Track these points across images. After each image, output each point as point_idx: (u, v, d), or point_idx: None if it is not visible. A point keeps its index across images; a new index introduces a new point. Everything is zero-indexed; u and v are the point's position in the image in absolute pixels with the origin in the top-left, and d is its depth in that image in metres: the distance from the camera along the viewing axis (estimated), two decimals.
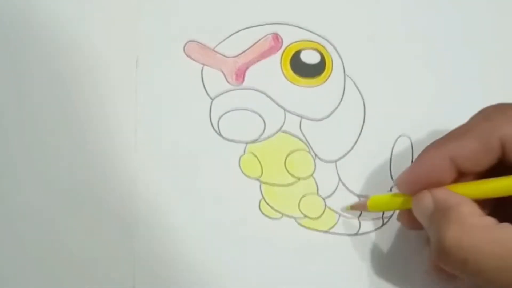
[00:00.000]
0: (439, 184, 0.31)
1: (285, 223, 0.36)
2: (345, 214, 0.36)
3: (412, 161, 0.37)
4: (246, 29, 0.39)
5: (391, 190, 0.37)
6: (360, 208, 0.35)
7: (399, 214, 0.34)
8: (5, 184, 0.36)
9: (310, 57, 0.39)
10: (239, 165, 0.37)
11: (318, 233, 0.36)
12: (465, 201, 0.30)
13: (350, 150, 0.37)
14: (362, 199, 0.36)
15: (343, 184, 0.37)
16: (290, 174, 0.37)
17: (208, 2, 0.39)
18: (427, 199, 0.31)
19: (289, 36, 0.39)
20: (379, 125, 0.38)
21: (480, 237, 0.28)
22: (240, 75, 0.38)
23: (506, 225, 0.28)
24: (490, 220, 0.29)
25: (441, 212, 0.30)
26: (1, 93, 0.37)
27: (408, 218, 0.33)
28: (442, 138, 0.32)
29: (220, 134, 0.37)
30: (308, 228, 0.36)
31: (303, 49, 0.39)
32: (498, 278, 0.28)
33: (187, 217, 0.36)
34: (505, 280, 0.28)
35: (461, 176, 0.31)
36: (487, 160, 0.30)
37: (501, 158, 0.30)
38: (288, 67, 0.38)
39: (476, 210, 0.29)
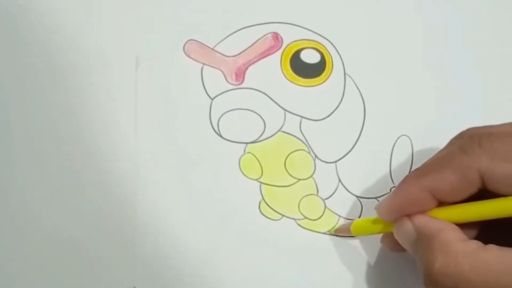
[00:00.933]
0: (419, 212, 0.31)
1: (285, 224, 0.36)
2: (345, 215, 0.36)
3: (412, 161, 0.37)
4: (246, 28, 0.39)
5: (390, 190, 0.37)
6: (344, 232, 0.36)
7: (383, 238, 0.35)
8: (5, 183, 0.36)
9: (310, 57, 0.38)
10: (239, 165, 0.37)
11: (317, 234, 0.36)
12: (447, 227, 0.30)
13: (350, 151, 0.37)
14: (346, 222, 0.36)
15: (343, 185, 0.37)
16: (290, 175, 0.37)
17: (208, 2, 0.39)
18: (408, 226, 0.31)
19: (289, 36, 0.39)
20: (379, 125, 0.38)
21: (465, 264, 0.28)
22: (240, 74, 0.38)
23: (490, 247, 0.28)
24: (475, 245, 0.29)
25: (424, 240, 0.30)
26: (1, 93, 0.37)
27: (391, 242, 0.33)
28: (420, 168, 0.32)
29: (219, 134, 0.37)
30: (308, 229, 0.36)
31: (303, 48, 0.39)
32: None
33: (187, 217, 0.36)
34: None
35: (441, 204, 0.31)
36: (467, 192, 0.30)
37: (481, 188, 0.30)
38: (288, 66, 0.38)
39: (459, 235, 0.29)
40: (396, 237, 0.32)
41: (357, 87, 0.38)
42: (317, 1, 0.39)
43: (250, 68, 0.38)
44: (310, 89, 0.38)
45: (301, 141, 0.37)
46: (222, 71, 0.38)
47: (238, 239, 0.36)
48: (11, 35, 0.38)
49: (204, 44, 0.38)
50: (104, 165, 0.36)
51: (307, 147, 0.37)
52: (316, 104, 0.38)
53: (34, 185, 0.36)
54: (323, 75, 0.38)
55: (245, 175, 0.37)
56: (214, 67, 0.38)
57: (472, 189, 0.30)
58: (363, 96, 0.38)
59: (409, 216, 0.31)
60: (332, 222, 0.36)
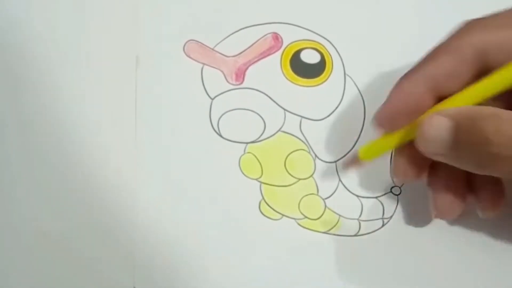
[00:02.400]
0: (421, 112, 0.29)
1: (285, 224, 0.36)
2: (345, 215, 0.36)
3: None
4: (246, 29, 0.39)
5: (391, 190, 0.37)
6: (352, 164, 0.34)
7: (395, 164, 0.32)
8: (4, 184, 0.36)
9: (310, 57, 0.38)
10: (239, 165, 0.37)
11: (318, 234, 0.36)
12: (481, 107, 0.27)
13: (350, 150, 0.37)
14: (350, 154, 0.35)
15: (343, 185, 0.37)
16: (290, 174, 0.37)
17: (207, 2, 0.39)
18: (441, 121, 0.28)
19: (289, 36, 0.39)
20: None
21: None
22: (240, 74, 0.38)
23: None
24: None
25: (467, 126, 0.27)
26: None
27: (407, 164, 0.31)
28: (416, 65, 0.30)
29: (219, 134, 0.37)
30: (308, 229, 0.36)
31: (303, 48, 0.39)
32: None
33: (187, 217, 0.36)
34: None
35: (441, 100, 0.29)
36: (466, 75, 0.28)
37: (481, 68, 0.28)
38: (288, 66, 0.38)
39: (496, 108, 0.27)
40: (422, 144, 0.29)
41: (357, 87, 0.38)
42: (317, 1, 0.39)
43: (250, 68, 0.38)
44: (310, 89, 0.38)
45: (301, 141, 0.37)
46: (222, 71, 0.38)
47: (238, 239, 0.36)
48: (9, 35, 0.38)
49: (204, 44, 0.38)
50: (104, 165, 0.36)
51: (307, 147, 0.37)
52: (316, 104, 0.38)
53: (34, 185, 0.36)
54: (323, 75, 0.38)
55: (245, 175, 0.37)
56: (214, 67, 0.38)
57: (471, 70, 0.28)
58: (363, 96, 0.38)
59: (437, 112, 0.28)
60: (332, 221, 0.36)
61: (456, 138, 0.27)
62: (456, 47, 0.28)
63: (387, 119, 0.30)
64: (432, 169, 0.32)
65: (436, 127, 0.28)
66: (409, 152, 0.31)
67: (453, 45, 0.29)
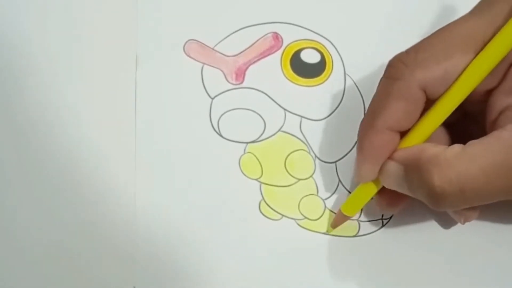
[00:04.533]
0: (392, 151, 0.32)
1: (285, 224, 0.36)
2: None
3: None
4: (246, 28, 0.39)
5: None
6: (338, 222, 0.35)
7: (377, 201, 0.35)
8: (4, 186, 0.36)
9: (310, 57, 0.38)
10: (239, 165, 0.37)
11: (317, 234, 0.36)
12: (425, 145, 0.30)
13: (350, 151, 0.37)
14: (333, 216, 0.36)
15: (343, 185, 0.37)
16: (290, 174, 0.37)
17: (208, 1, 0.39)
18: (391, 166, 0.31)
19: (289, 35, 0.39)
20: None
21: (461, 165, 0.29)
22: (240, 74, 0.38)
23: (471, 142, 0.29)
24: (456, 146, 0.29)
25: (412, 168, 0.30)
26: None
27: (386, 198, 0.34)
28: (366, 118, 0.32)
29: (220, 134, 0.37)
30: (308, 229, 0.36)
31: (304, 48, 0.39)
32: (499, 186, 0.29)
33: (187, 217, 0.36)
34: (504, 185, 0.29)
35: (404, 135, 0.32)
36: (419, 111, 0.31)
37: (427, 101, 0.31)
38: (288, 66, 0.38)
39: (438, 147, 0.30)
40: (386, 185, 0.32)
41: (357, 87, 0.38)
42: (317, 1, 0.39)
43: (250, 68, 0.38)
44: (310, 89, 0.38)
45: (301, 141, 0.37)
46: (222, 71, 0.38)
47: (238, 239, 0.36)
48: (9, 35, 0.38)
49: (204, 44, 0.38)
50: (104, 165, 0.36)
51: (307, 147, 0.37)
52: (316, 104, 0.38)
53: (34, 186, 0.36)
54: (323, 75, 0.38)
55: (245, 175, 0.37)
56: (214, 67, 0.38)
57: (421, 105, 0.31)
58: (363, 96, 0.38)
59: (387, 159, 0.32)
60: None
61: (407, 179, 0.31)
62: (403, 92, 0.31)
63: (368, 171, 0.32)
64: None
65: (390, 172, 0.32)
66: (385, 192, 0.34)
67: (403, 89, 0.31)
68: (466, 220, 0.34)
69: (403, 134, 0.32)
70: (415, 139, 0.31)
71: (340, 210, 0.35)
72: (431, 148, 0.30)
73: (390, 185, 0.32)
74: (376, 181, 0.33)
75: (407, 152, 0.31)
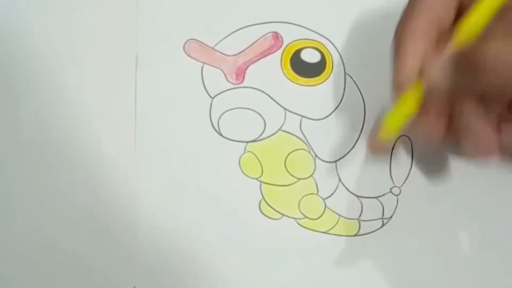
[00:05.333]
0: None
1: (285, 224, 0.36)
2: (345, 215, 0.36)
3: (412, 162, 0.37)
4: (246, 28, 0.39)
5: (390, 190, 0.37)
6: (377, 145, 0.33)
7: (422, 124, 0.32)
8: (4, 186, 0.36)
9: (310, 56, 0.38)
10: (239, 164, 0.37)
11: (317, 233, 0.36)
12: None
13: (350, 150, 0.37)
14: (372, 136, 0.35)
15: (343, 185, 0.37)
16: (290, 174, 0.37)
17: (208, 1, 0.39)
18: (439, 63, 0.30)
19: (290, 35, 0.39)
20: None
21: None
22: (240, 74, 0.38)
23: None
24: None
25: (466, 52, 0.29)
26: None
27: (432, 117, 0.31)
28: (403, 18, 0.31)
29: (220, 133, 0.37)
30: (308, 228, 0.36)
31: (304, 48, 0.38)
32: None
33: (187, 217, 0.36)
34: None
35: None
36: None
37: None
38: (289, 66, 0.38)
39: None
40: (432, 80, 0.30)
41: (357, 87, 0.38)
42: (317, 1, 0.39)
43: (250, 67, 0.38)
44: (310, 89, 0.38)
45: (301, 140, 0.37)
46: (222, 70, 0.38)
47: (238, 238, 0.36)
48: (8, 34, 0.38)
49: (204, 44, 0.38)
50: (104, 165, 0.36)
51: (307, 146, 0.37)
52: (316, 103, 0.38)
53: (34, 185, 0.36)
54: (323, 74, 0.38)
55: (245, 174, 0.37)
56: (214, 66, 0.38)
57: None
58: (363, 96, 0.38)
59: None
60: (332, 221, 0.36)
61: (458, 61, 0.29)
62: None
63: (411, 73, 0.31)
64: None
65: (438, 63, 0.30)
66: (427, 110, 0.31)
67: None
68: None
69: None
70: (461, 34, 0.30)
71: (381, 129, 0.32)
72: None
73: (436, 78, 0.30)
74: (417, 89, 0.31)
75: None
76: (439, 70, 0.30)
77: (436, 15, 0.30)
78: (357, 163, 0.37)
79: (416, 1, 0.31)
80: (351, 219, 0.36)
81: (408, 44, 0.31)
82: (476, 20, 0.30)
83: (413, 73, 0.31)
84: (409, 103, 0.31)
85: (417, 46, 0.30)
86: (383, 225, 0.36)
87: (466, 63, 0.29)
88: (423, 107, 0.31)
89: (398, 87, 0.31)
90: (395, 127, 0.32)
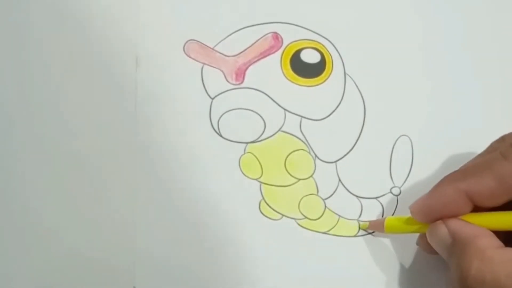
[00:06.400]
0: (454, 216, 0.31)
1: (285, 224, 0.36)
2: (345, 215, 0.36)
3: (412, 161, 0.37)
4: (246, 28, 0.39)
5: (390, 190, 0.37)
6: (375, 228, 0.35)
7: (419, 239, 0.35)
8: (5, 184, 0.36)
9: (310, 57, 0.38)
10: (239, 165, 0.37)
11: (317, 234, 0.36)
12: (483, 233, 0.30)
13: (350, 151, 0.37)
14: (377, 219, 0.36)
15: (343, 185, 0.37)
16: (290, 174, 0.37)
17: (208, 1, 0.39)
18: (442, 230, 0.31)
19: (289, 35, 0.39)
20: (379, 125, 0.38)
21: (501, 271, 0.28)
22: (240, 74, 0.38)
23: None
24: (511, 252, 0.29)
25: (459, 245, 0.30)
26: (1, 93, 0.37)
27: (427, 243, 0.33)
28: (458, 171, 0.32)
29: (220, 134, 0.37)
30: (308, 229, 0.36)
31: (303, 48, 0.39)
32: None
33: (187, 217, 0.36)
34: None
35: (476, 210, 0.31)
36: (504, 198, 0.30)
37: None
38: (288, 66, 0.38)
39: (495, 241, 0.29)
40: (429, 240, 0.32)
41: (357, 87, 0.38)
42: (317, 1, 0.39)
43: (250, 68, 0.38)
44: (310, 89, 0.38)
45: (301, 141, 0.37)
46: (222, 71, 0.38)
47: (238, 239, 0.36)
48: (11, 35, 0.38)
49: (204, 44, 0.38)
50: (104, 164, 0.36)
51: (307, 147, 0.37)
52: (316, 104, 0.38)
53: (34, 185, 0.36)
54: (323, 75, 0.38)
55: (245, 175, 0.37)
56: (214, 67, 0.38)
57: (509, 196, 0.30)
58: (363, 96, 0.38)
59: (443, 220, 0.31)
60: (332, 222, 0.36)
61: (450, 250, 0.30)
62: (502, 174, 0.30)
63: (422, 214, 0.32)
64: None
65: (439, 235, 0.31)
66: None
67: (499, 171, 0.30)
68: None
69: (477, 209, 0.31)
70: (483, 221, 0.31)
71: (382, 222, 0.35)
72: (486, 239, 0.29)
73: (432, 243, 0.32)
74: (424, 225, 0.32)
75: (463, 228, 0.30)
76: (436, 237, 0.31)
77: (481, 191, 0.30)
78: (357, 163, 0.37)
79: (480, 165, 0.31)
80: (351, 219, 0.36)
81: (442, 191, 0.31)
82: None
83: (426, 218, 0.32)
84: (414, 226, 0.33)
85: (448, 199, 0.31)
86: (381, 218, 0.36)
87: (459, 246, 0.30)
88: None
89: (412, 210, 0.32)
90: (392, 230, 0.34)
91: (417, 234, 0.35)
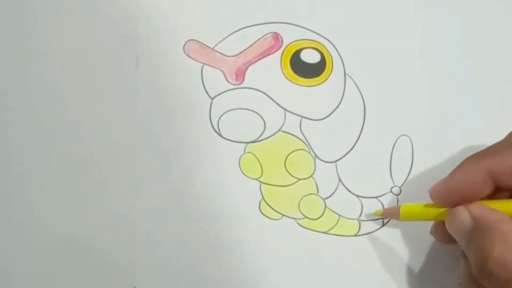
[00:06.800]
0: (475, 198, 0.31)
1: (285, 224, 0.36)
2: (345, 215, 0.36)
3: (412, 161, 0.37)
4: (246, 28, 0.39)
5: (391, 190, 0.37)
6: (389, 215, 0.35)
7: (434, 227, 0.34)
8: (7, 184, 0.36)
9: (310, 57, 0.38)
10: (239, 165, 0.37)
11: (318, 234, 0.36)
12: (505, 218, 0.29)
13: (350, 150, 0.37)
14: (393, 206, 0.36)
15: (343, 185, 0.37)
16: (290, 174, 0.37)
17: (207, 1, 0.39)
18: (464, 215, 0.30)
19: (289, 35, 0.39)
20: (379, 125, 0.38)
21: None
22: (240, 74, 0.38)
23: None
24: None
25: (481, 230, 0.29)
26: (2, 94, 0.37)
27: (443, 233, 0.33)
28: (481, 151, 0.31)
29: (220, 134, 0.37)
30: (308, 229, 0.36)
31: (303, 48, 0.39)
32: None
33: (187, 217, 0.36)
34: None
35: (498, 192, 0.31)
36: None
37: None
38: (288, 66, 0.38)
39: None
40: (447, 226, 0.31)
41: (357, 87, 0.38)
42: (317, 1, 0.39)
43: (250, 68, 0.38)
44: (310, 89, 0.38)
45: (301, 140, 0.37)
46: (222, 71, 0.38)
47: (238, 239, 0.36)
48: (11, 37, 0.38)
49: (204, 44, 0.38)
50: (104, 165, 0.36)
51: (307, 146, 0.37)
52: (316, 104, 0.38)
53: (34, 185, 0.36)
54: (323, 75, 0.38)
55: (245, 175, 0.37)
56: (214, 67, 0.38)
57: None
58: (363, 96, 0.38)
59: (464, 205, 0.31)
60: (332, 221, 0.36)
61: (471, 236, 0.30)
62: None
63: (442, 195, 0.32)
64: None
65: (459, 219, 0.31)
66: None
67: None
68: None
69: (498, 191, 0.31)
70: (505, 207, 0.31)
71: (398, 209, 0.34)
72: (509, 224, 0.29)
73: (451, 228, 0.31)
74: (444, 211, 0.32)
75: (486, 212, 0.30)
76: (456, 221, 0.31)
77: (506, 166, 0.30)
78: (357, 163, 0.37)
79: (505, 142, 0.31)
80: (351, 219, 0.36)
81: (463, 171, 0.31)
82: None
83: (446, 201, 0.32)
84: (431, 212, 0.33)
85: (470, 179, 0.31)
86: (383, 225, 0.36)
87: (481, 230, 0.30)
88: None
89: (432, 194, 0.32)
90: (408, 217, 0.34)
91: (422, 228, 0.35)
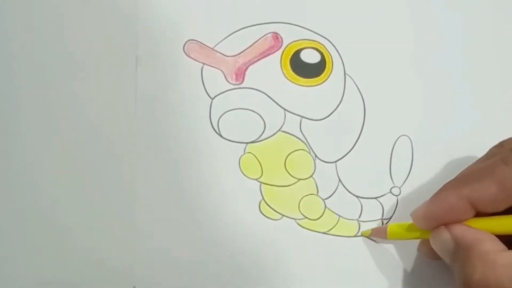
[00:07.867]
0: (457, 222, 0.31)
1: (285, 224, 0.36)
2: (345, 215, 0.36)
3: (412, 162, 0.37)
4: (246, 28, 0.39)
5: (390, 191, 0.37)
6: (378, 235, 0.35)
7: (420, 245, 0.35)
8: (7, 183, 0.36)
9: (310, 57, 0.38)
10: (239, 165, 0.37)
11: (317, 234, 0.36)
12: (486, 237, 0.30)
13: (350, 151, 0.37)
14: (380, 226, 0.36)
15: (343, 185, 0.37)
16: (290, 174, 0.37)
17: (207, 1, 0.39)
18: (445, 235, 0.31)
19: (289, 35, 0.39)
20: (379, 125, 0.38)
21: (505, 275, 0.28)
22: (240, 74, 0.38)
23: None
24: None
25: (462, 250, 0.30)
26: (3, 93, 0.37)
27: (429, 250, 0.33)
28: (459, 178, 0.32)
29: (219, 134, 0.37)
30: (308, 229, 0.36)
31: (303, 48, 0.39)
32: None
33: (187, 217, 0.36)
34: None
35: (479, 215, 0.31)
36: (506, 203, 0.30)
37: None
38: (288, 66, 0.38)
39: (498, 245, 0.29)
40: (432, 246, 0.32)
41: (357, 87, 0.38)
42: (317, 1, 0.39)
43: (250, 68, 0.38)
44: (310, 89, 0.38)
45: (301, 141, 0.37)
46: (222, 71, 0.38)
47: (238, 239, 0.36)
48: (11, 35, 0.38)
49: (204, 44, 0.38)
50: (104, 164, 0.36)
51: (307, 147, 0.37)
52: (316, 104, 0.38)
53: (33, 185, 0.36)
54: (323, 75, 0.38)
55: (245, 175, 0.37)
56: (214, 67, 0.38)
57: (510, 200, 0.30)
58: (363, 96, 0.38)
59: (446, 225, 0.31)
60: (332, 222, 0.36)
61: (453, 255, 0.30)
62: (503, 180, 0.30)
63: (424, 220, 0.32)
64: None
65: (442, 240, 0.31)
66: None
67: (501, 176, 0.30)
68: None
69: (479, 214, 0.31)
70: (486, 225, 0.31)
71: (385, 229, 0.35)
72: (489, 243, 0.29)
73: (435, 248, 0.32)
74: (427, 232, 0.33)
75: (466, 232, 0.30)
76: (439, 242, 0.31)
77: (482, 197, 0.30)
78: (357, 163, 0.37)
79: (480, 171, 0.31)
80: (351, 219, 0.36)
81: (444, 198, 0.31)
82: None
83: (428, 225, 0.32)
84: (416, 232, 0.33)
85: (450, 205, 0.31)
86: (383, 225, 0.36)
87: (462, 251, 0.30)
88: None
89: (414, 217, 0.32)
90: (394, 237, 0.34)
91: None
